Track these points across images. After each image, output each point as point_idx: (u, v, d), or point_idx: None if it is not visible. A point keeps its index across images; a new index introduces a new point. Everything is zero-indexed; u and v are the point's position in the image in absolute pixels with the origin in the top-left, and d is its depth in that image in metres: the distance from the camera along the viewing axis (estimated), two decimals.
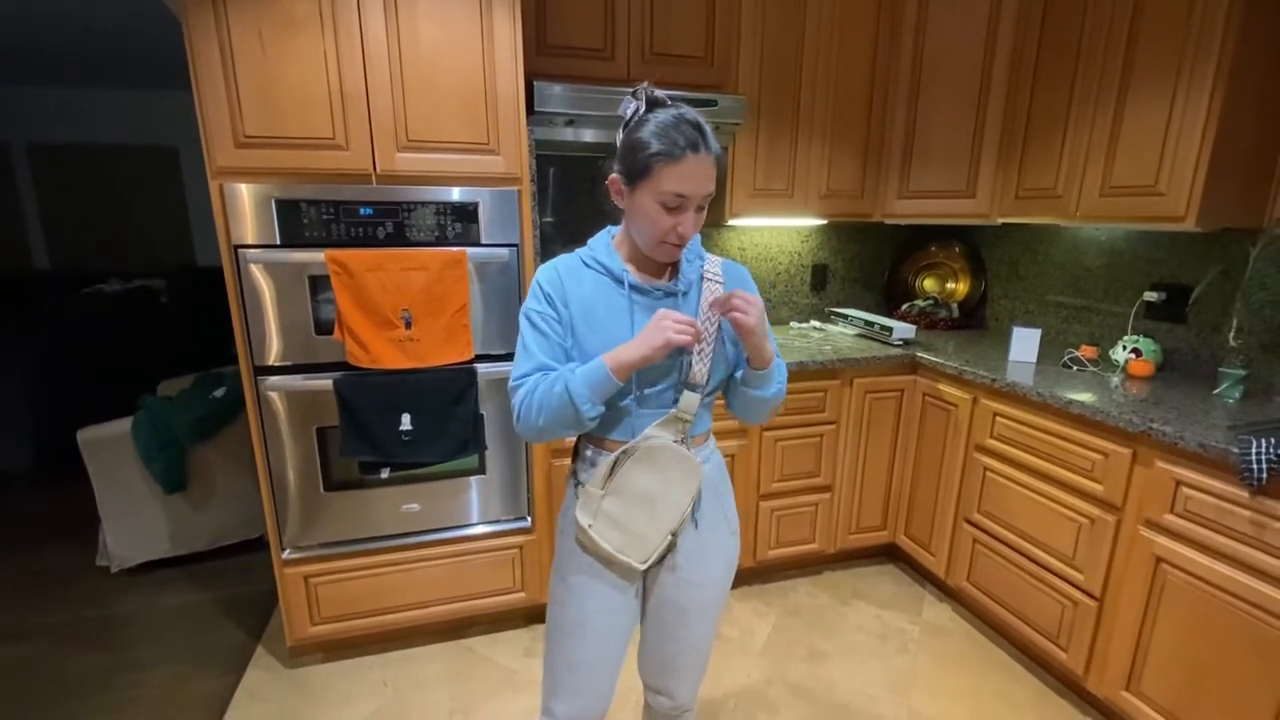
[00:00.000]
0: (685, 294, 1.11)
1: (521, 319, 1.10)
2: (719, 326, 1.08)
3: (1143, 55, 1.82)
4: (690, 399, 1.08)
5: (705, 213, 1.04)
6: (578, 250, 1.14)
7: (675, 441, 1.08)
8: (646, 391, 1.09)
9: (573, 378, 1.01)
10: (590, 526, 1.11)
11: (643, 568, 1.11)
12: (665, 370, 1.08)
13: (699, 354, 1.07)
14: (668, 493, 1.08)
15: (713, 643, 1.27)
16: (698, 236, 1.15)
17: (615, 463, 1.08)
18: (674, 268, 1.13)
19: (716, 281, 1.11)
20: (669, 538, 1.11)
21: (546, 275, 1.10)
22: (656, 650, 1.24)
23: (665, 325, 0.98)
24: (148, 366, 3.67)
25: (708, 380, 1.08)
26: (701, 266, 1.14)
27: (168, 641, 2.15)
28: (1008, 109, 2.28)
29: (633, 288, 1.08)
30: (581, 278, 1.10)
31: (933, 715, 1.86)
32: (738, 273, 1.19)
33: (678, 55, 2.16)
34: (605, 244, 1.12)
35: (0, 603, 2.36)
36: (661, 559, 1.17)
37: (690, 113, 0.99)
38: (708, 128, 0.99)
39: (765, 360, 1.07)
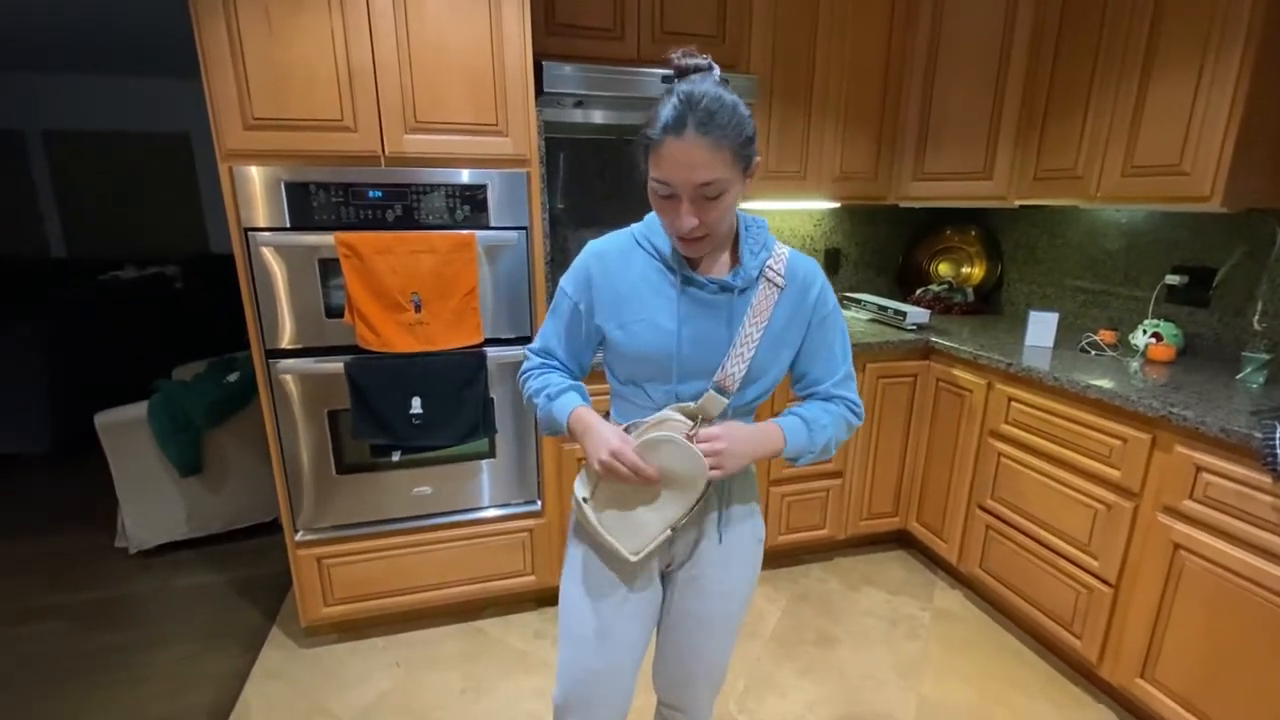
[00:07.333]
0: (743, 291, 1.00)
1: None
2: (763, 331, 0.99)
3: (1168, 29, 1.77)
4: (715, 401, 0.98)
5: (719, 206, 0.89)
6: (632, 226, 1.06)
7: (686, 434, 0.97)
8: (680, 388, 1.01)
9: (551, 404, 1.04)
10: (586, 501, 1.03)
11: (633, 559, 1.00)
12: (702, 369, 1.00)
13: (735, 356, 0.98)
14: (676, 481, 0.97)
15: (732, 650, 1.20)
16: (762, 223, 1.05)
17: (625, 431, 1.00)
18: (734, 256, 1.02)
19: (776, 284, 1.00)
20: (668, 533, 1.00)
21: (592, 253, 1.04)
22: (676, 664, 1.16)
23: (602, 454, 0.93)
24: (162, 352, 3.71)
25: (740, 388, 0.99)
26: (766, 260, 1.01)
27: (185, 621, 2.19)
28: (1027, 87, 2.23)
29: (685, 279, 0.99)
30: (630, 259, 1.02)
31: (943, 700, 1.85)
32: (802, 270, 1.03)
33: (689, 34, 2.12)
34: (660, 223, 1.01)
35: (22, 583, 2.41)
36: (670, 566, 1.11)
37: (690, 87, 0.87)
38: (709, 104, 0.85)
39: (770, 453, 1.01)
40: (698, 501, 0.99)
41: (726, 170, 0.87)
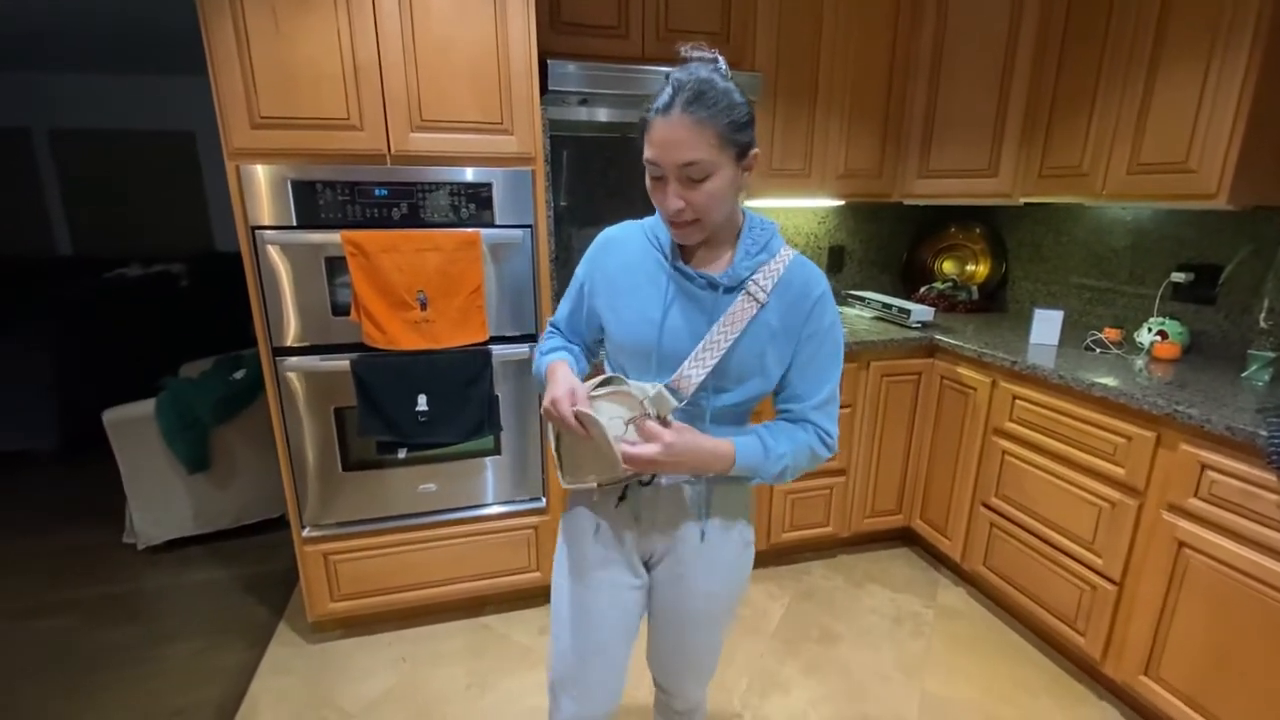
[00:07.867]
0: (729, 290, 0.98)
1: None
2: (733, 341, 0.95)
3: (1175, 25, 1.76)
4: (664, 400, 0.93)
5: (705, 190, 0.89)
6: (645, 218, 1.08)
7: (625, 420, 0.93)
8: (662, 379, 0.99)
9: (541, 359, 1.09)
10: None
11: (563, 483, 1.02)
12: (676, 362, 0.98)
13: (695, 360, 0.95)
14: (600, 454, 0.94)
15: (722, 644, 1.22)
16: (770, 225, 1.02)
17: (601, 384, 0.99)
18: (732, 255, 1.01)
19: (756, 299, 0.96)
20: (593, 483, 1.01)
21: (604, 237, 1.10)
22: (664, 654, 1.21)
23: (546, 399, 0.93)
24: (169, 350, 3.73)
25: (708, 393, 0.97)
26: (764, 263, 0.98)
27: (193, 616, 2.21)
28: (1033, 84, 2.22)
29: (675, 269, 1.00)
30: (635, 248, 1.05)
31: (946, 697, 1.86)
32: (800, 280, 0.99)
33: (693, 32, 2.12)
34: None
35: (32, 578, 2.43)
36: (651, 559, 1.11)
37: (683, 71, 0.88)
38: (697, 85, 0.86)
39: (716, 471, 0.96)
40: (618, 480, 1.01)
41: (711, 152, 0.87)
